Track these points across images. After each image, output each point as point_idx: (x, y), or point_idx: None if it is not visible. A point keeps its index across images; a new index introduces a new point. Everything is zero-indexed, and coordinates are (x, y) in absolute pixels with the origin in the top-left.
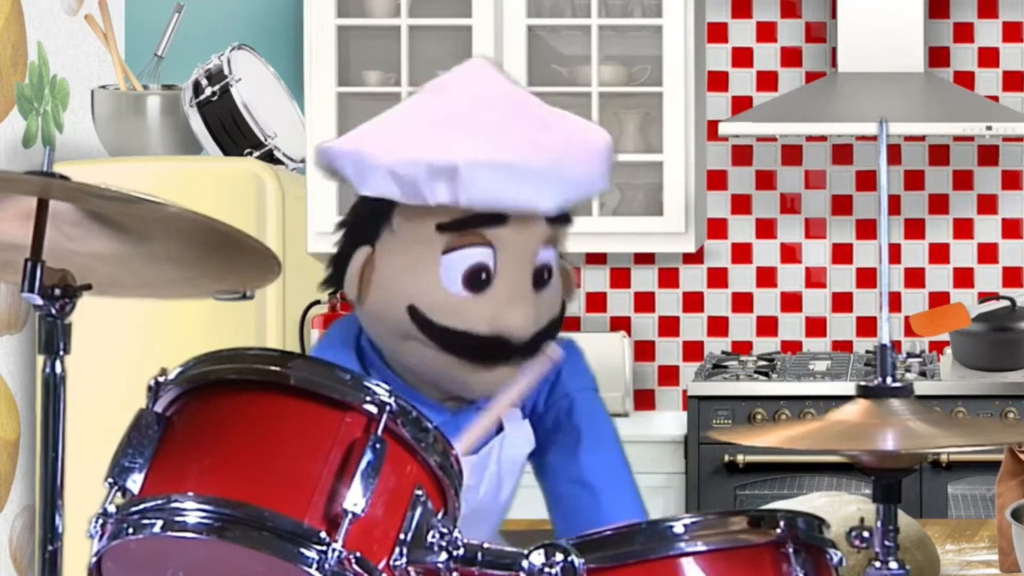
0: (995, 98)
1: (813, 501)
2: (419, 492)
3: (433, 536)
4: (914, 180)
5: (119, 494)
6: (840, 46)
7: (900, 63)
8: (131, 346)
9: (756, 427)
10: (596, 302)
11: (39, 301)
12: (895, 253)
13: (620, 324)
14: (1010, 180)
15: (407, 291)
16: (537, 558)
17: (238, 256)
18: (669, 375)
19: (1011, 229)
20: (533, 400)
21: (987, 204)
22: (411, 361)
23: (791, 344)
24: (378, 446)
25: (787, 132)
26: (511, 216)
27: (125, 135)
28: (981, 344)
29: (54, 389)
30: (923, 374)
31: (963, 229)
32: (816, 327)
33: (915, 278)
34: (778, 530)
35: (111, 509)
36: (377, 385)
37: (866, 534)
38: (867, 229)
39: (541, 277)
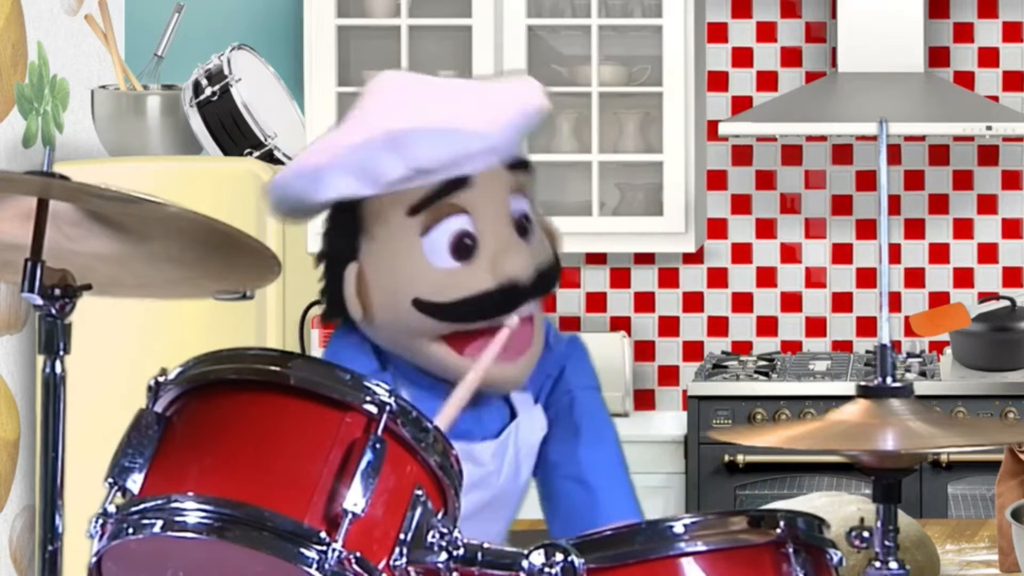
0: (995, 98)
1: (813, 501)
2: (419, 492)
3: (433, 536)
4: (914, 180)
5: (119, 494)
6: (840, 46)
7: (900, 63)
8: (131, 346)
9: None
10: (596, 302)
11: (39, 301)
12: (895, 253)
13: (620, 324)
14: (1010, 180)
15: (406, 286)
16: (537, 558)
17: (238, 256)
18: (669, 375)
19: (1011, 229)
20: (536, 393)
21: (987, 204)
22: (429, 360)
23: (791, 344)
24: (378, 446)
25: (787, 132)
26: (473, 176)
27: (125, 135)
28: (981, 344)
29: (54, 389)
30: (923, 374)
31: (963, 229)
32: (816, 327)
33: (915, 278)
34: (778, 530)
35: (111, 509)
36: (377, 385)
37: (866, 534)
38: (867, 229)
39: (522, 226)
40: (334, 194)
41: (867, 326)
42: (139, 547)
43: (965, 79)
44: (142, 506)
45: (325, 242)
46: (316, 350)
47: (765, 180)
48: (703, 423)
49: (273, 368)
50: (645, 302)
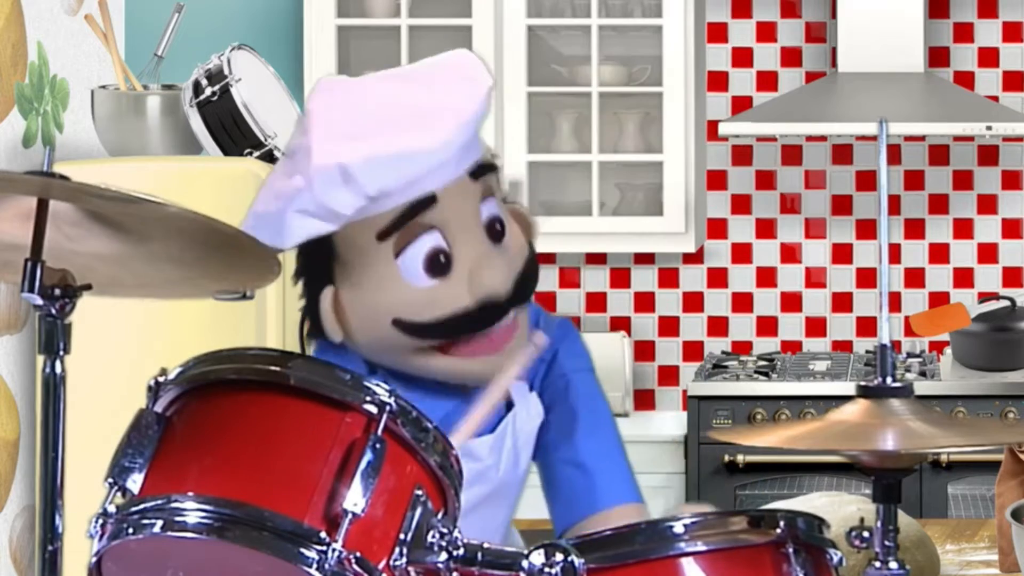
0: (995, 98)
1: (813, 501)
2: (419, 492)
3: (433, 536)
4: (914, 180)
5: (119, 494)
6: (840, 46)
7: (900, 63)
8: (131, 346)
9: (756, 427)
10: (596, 302)
11: (39, 301)
12: (895, 253)
13: (620, 324)
14: (1010, 180)
15: (384, 309)
16: (537, 558)
17: (238, 256)
18: (669, 375)
19: (1011, 229)
20: (530, 379)
21: (987, 204)
22: (419, 369)
23: (791, 344)
24: (378, 446)
25: (787, 132)
26: (437, 191)
27: (125, 135)
28: (981, 344)
29: (54, 389)
30: (923, 374)
31: (963, 229)
32: (816, 327)
33: (915, 278)
34: (778, 530)
35: (111, 509)
36: (377, 385)
37: (866, 534)
38: (867, 229)
39: (494, 230)
40: (300, 237)
41: (867, 326)
42: (139, 547)
43: (965, 79)
44: (142, 506)
45: (301, 263)
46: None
47: (765, 180)
48: (703, 423)
49: (273, 368)
50: (645, 302)
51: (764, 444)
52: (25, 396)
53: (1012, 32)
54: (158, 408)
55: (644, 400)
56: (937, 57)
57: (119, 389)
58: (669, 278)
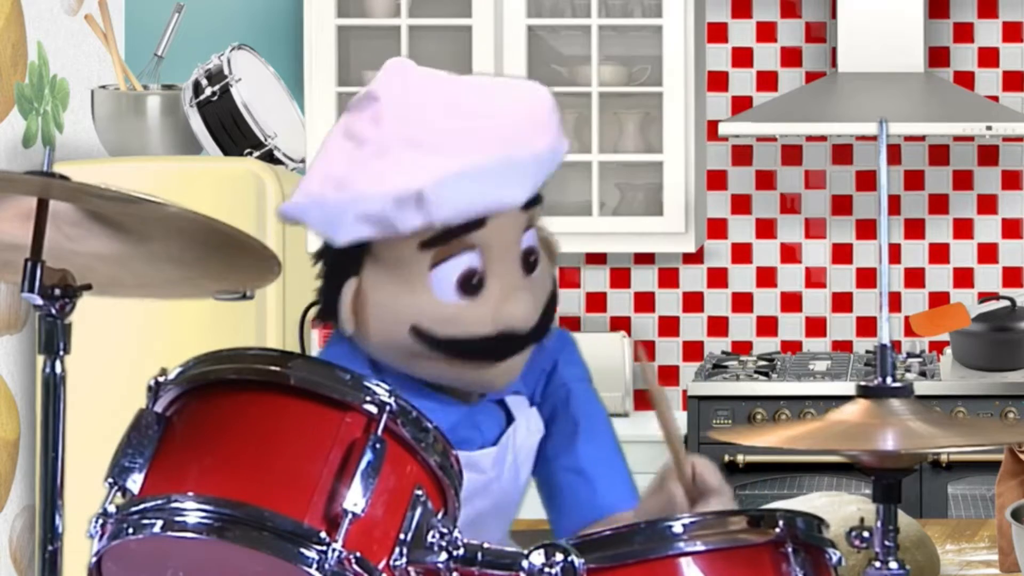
0: (995, 98)
1: (813, 501)
2: (419, 492)
3: (433, 536)
4: (914, 180)
5: (119, 494)
6: (840, 46)
7: (900, 63)
8: (131, 346)
9: (756, 427)
10: (596, 302)
11: (39, 301)
12: (895, 253)
13: (620, 324)
14: (1010, 180)
15: (405, 314)
16: (537, 558)
17: (238, 256)
18: (669, 375)
19: (1011, 229)
20: (531, 390)
21: (987, 204)
22: (423, 373)
23: (791, 344)
24: (378, 446)
25: (787, 132)
26: (489, 215)
27: (125, 135)
28: (981, 344)
29: (54, 389)
30: (923, 374)
31: (963, 229)
32: (816, 327)
33: (915, 278)
34: (777, 530)
35: (111, 509)
36: (377, 385)
37: (866, 534)
38: (867, 229)
39: (528, 261)
40: (350, 238)
41: (867, 326)
42: (139, 547)
43: (965, 79)
44: (142, 506)
45: (326, 247)
46: (316, 350)
47: (765, 180)
48: (703, 423)
49: (273, 368)
50: (645, 302)
51: (764, 444)
52: (25, 396)
53: (1012, 32)
54: (158, 408)
55: (644, 400)
56: (937, 57)
57: (119, 389)
58: (669, 278)
